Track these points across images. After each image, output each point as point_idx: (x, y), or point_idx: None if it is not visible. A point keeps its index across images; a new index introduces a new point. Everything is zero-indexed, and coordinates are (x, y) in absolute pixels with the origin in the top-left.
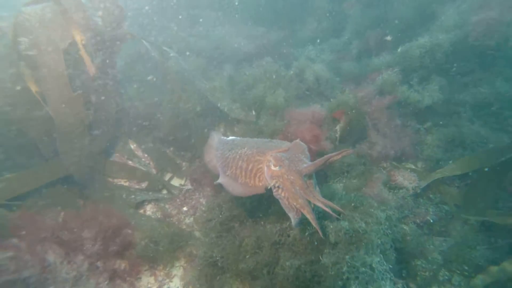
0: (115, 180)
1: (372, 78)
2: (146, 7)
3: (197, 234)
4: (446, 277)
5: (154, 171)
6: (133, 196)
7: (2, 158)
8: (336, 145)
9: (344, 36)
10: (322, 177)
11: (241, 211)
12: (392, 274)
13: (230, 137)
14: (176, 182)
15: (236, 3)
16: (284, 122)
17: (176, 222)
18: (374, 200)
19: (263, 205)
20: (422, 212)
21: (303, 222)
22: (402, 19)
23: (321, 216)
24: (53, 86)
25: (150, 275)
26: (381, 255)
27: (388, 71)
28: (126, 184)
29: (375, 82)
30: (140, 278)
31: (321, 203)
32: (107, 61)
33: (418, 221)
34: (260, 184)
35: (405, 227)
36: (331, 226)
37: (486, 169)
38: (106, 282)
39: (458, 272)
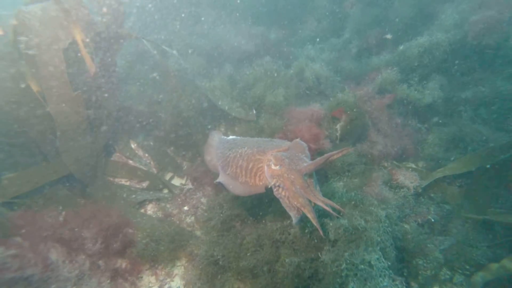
0: (116, 180)
1: (372, 77)
2: (149, 5)
3: (198, 233)
4: (448, 276)
5: (155, 170)
6: (134, 196)
7: (3, 157)
8: (337, 144)
9: (344, 35)
10: (322, 176)
11: (242, 210)
12: (391, 271)
13: (230, 137)
14: (177, 181)
15: (238, 1)
16: (284, 121)
17: (177, 222)
18: (375, 198)
19: (263, 203)
20: (423, 211)
21: (304, 220)
22: (403, 18)
23: (321, 214)
24: (54, 85)
25: (151, 274)
26: (380, 253)
27: (387, 70)
28: (127, 183)
29: (374, 81)
30: (141, 277)
31: (322, 202)
32: (108, 60)
33: (419, 220)
34: (261, 183)
35: (406, 226)
36: (331, 224)
37: (488, 166)
38: (108, 281)
39: (460, 271)
